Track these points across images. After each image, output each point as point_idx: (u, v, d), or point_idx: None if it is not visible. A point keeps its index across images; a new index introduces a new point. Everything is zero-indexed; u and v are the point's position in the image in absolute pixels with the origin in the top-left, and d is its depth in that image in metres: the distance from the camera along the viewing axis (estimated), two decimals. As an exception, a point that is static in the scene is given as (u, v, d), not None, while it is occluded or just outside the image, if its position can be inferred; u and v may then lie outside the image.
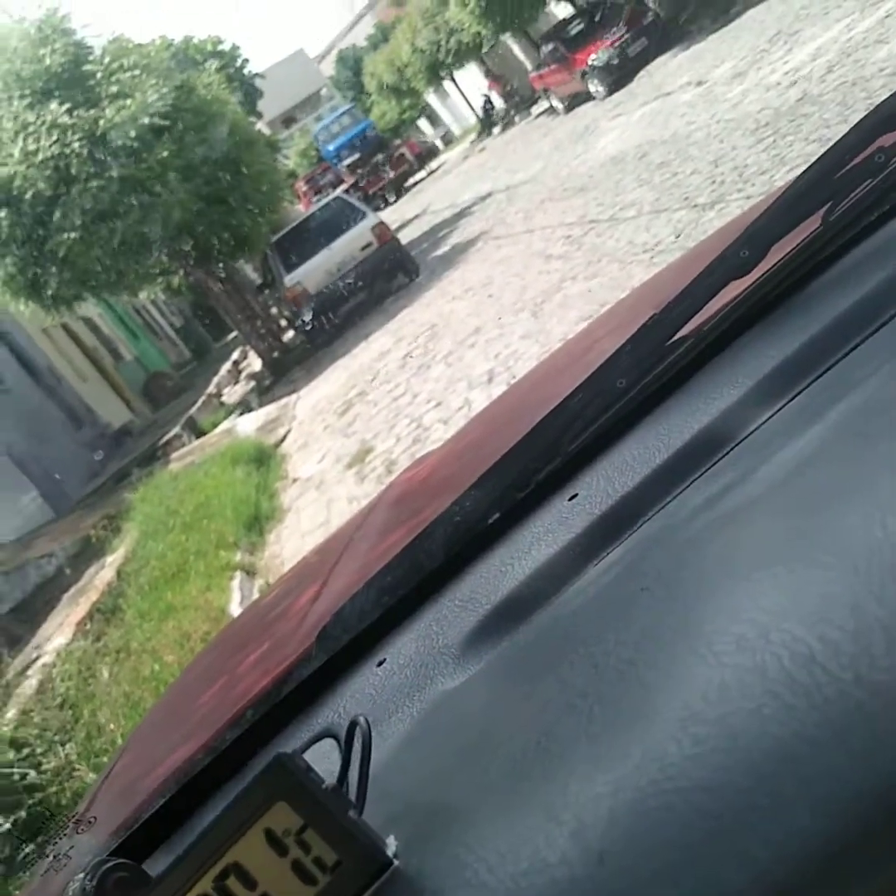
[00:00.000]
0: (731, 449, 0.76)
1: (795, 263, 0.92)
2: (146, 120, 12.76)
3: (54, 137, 12.47)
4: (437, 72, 31.68)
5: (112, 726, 4.45)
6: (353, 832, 0.56)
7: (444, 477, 1.13)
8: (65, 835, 0.88)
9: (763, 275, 0.91)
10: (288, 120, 54.39)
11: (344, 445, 8.34)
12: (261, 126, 19.26)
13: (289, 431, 10.84)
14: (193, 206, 13.71)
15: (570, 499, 0.88)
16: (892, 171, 0.90)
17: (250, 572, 6.50)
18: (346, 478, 7.38)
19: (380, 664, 0.86)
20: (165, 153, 12.90)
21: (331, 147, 38.73)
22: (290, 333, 17.84)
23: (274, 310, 18.39)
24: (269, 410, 12.55)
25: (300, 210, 26.75)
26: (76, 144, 12.48)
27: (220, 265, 16.45)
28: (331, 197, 17.85)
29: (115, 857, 0.78)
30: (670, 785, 0.48)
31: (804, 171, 0.92)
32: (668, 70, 14.97)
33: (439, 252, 14.86)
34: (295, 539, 6.78)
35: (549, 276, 8.40)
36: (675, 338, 0.91)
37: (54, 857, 0.87)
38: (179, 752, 1.17)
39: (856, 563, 0.51)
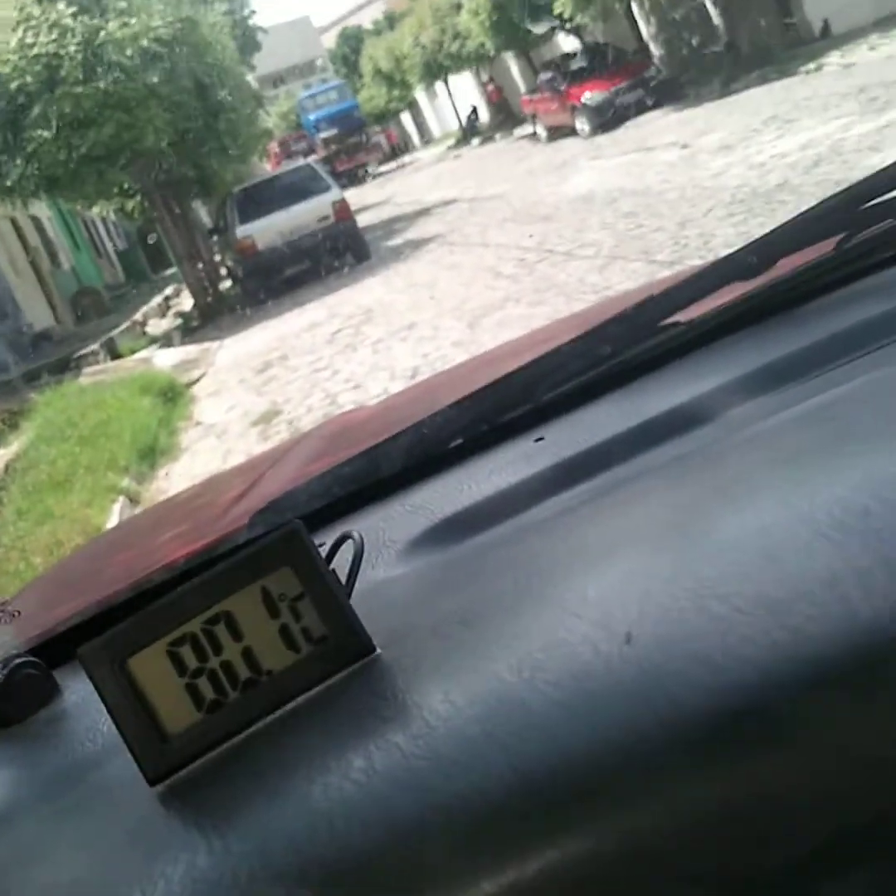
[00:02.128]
0: (701, 427, 0.77)
1: (800, 280, 0.94)
2: (145, 42, 12.65)
3: (53, 36, 12.39)
4: (432, 71, 31.69)
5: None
6: (347, 611, 0.58)
7: (387, 422, 1.12)
8: None
9: (767, 283, 0.93)
10: (278, 80, 53.70)
11: (255, 402, 8.28)
12: (251, 79, 19.06)
13: (204, 375, 10.70)
14: (168, 136, 13.56)
15: (536, 440, 0.89)
16: None
17: (134, 500, 6.43)
18: (250, 433, 7.34)
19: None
20: (156, 79, 12.74)
21: (312, 116, 38.44)
22: (228, 283, 17.66)
23: (218, 257, 18.19)
24: (190, 350, 12.37)
25: (268, 169, 26.53)
26: (72, 48, 12.36)
27: (178, 200, 16.25)
28: (301, 163, 17.76)
29: (28, 656, 0.79)
30: (706, 591, 0.49)
31: (831, 196, 0.93)
32: (656, 126, 15.20)
33: (392, 243, 14.87)
34: (184, 480, 6.70)
35: (493, 293, 8.46)
36: (668, 321, 0.93)
37: None
38: (102, 582, 1.18)
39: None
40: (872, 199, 0.93)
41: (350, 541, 0.65)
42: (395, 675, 0.55)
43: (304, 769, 0.51)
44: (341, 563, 0.62)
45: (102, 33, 12.54)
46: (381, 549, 0.78)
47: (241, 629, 0.57)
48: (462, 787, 0.45)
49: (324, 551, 0.62)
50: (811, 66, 14.20)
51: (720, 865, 0.43)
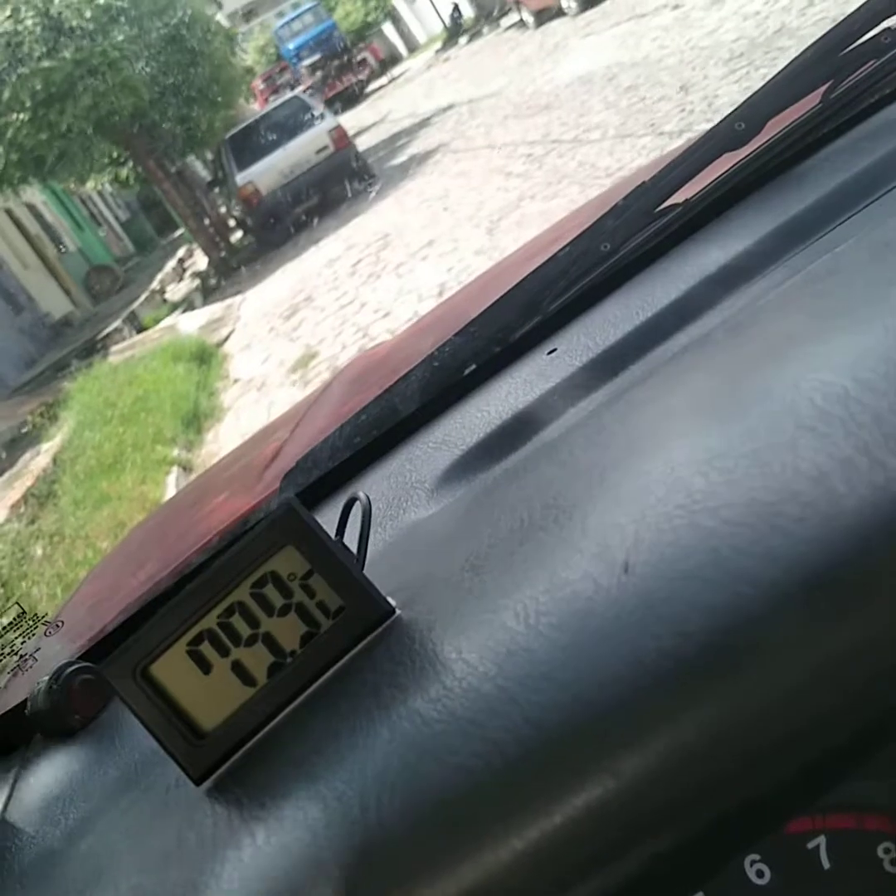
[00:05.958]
0: (714, 310, 0.75)
1: (791, 139, 0.90)
2: (102, 0, 12.35)
3: (7, 14, 12.09)
4: (405, -25, 30.89)
5: (44, 604, 4.44)
6: (358, 579, 0.57)
7: (409, 354, 1.13)
8: (31, 637, 0.89)
9: (758, 148, 0.90)
10: (248, 14, 52.57)
11: (288, 349, 8.25)
12: (220, 17, 18.69)
13: (232, 332, 10.67)
14: (147, 94, 13.34)
15: (549, 353, 0.88)
16: None
17: (187, 468, 6.50)
18: (289, 381, 7.31)
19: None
20: (121, 37, 12.52)
21: (291, 45, 37.46)
22: (239, 234, 17.51)
23: (223, 208, 17.99)
24: (213, 309, 12.32)
25: (256, 109, 26.07)
26: (30, 22, 12.09)
27: (171, 158, 16.05)
28: (288, 96, 17.45)
29: (81, 662, 0.81)
30: (697, 506, 0.47)
31: (807, 48, 0.89)
32: (643, -9, 14.70)
33: (396, 161, 14.59)
34: (233, 439, 6.69)
35: (507, 194, 8.29)
36: (664, 206, 0.90)
37: (20, 658, 0.88)
38: (146, 574, 1.20)
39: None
40: (851, 43, 0.89)
41: (358, 502, 0.65)
42: (412, 637, 0.55)
43: (333, 749, 0.52)
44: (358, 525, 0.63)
45: (56, 1, 12.23)
46: (410, 491, 0.79)
47: (257, 616, 0.57)
48: (480, 747, 0.45)
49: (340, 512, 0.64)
50: None
51: (739, 781, 0.42)
